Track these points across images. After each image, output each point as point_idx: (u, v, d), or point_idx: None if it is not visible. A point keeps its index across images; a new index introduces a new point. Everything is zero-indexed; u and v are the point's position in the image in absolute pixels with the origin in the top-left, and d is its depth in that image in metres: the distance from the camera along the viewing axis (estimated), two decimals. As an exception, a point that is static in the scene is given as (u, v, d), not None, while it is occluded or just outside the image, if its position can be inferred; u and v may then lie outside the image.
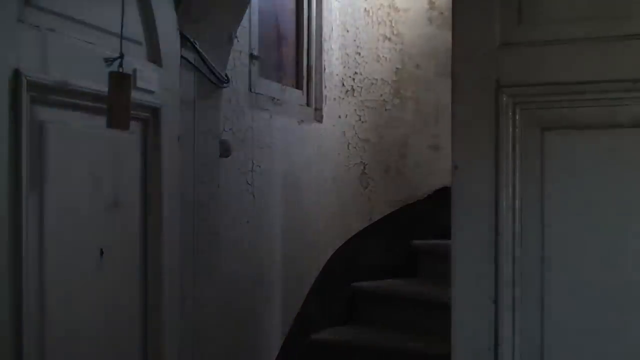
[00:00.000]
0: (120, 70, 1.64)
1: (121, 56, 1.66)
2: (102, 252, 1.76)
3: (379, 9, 3.92)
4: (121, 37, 1.69)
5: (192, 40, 2.26)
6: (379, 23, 3.92)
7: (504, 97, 1.44)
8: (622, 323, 1.38)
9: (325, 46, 3.51)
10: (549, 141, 1.42)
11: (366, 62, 3.83)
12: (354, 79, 3.75)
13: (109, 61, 1.65)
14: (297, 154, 3.25)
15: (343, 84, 3.64)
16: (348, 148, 3.69)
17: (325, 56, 3.50)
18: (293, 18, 3.38)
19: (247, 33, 2.81)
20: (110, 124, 1.63)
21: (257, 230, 2.93)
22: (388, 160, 3.89)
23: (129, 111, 1.65)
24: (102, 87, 1.69)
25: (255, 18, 2.89)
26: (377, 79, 3.91)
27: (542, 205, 1.43)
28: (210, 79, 2.41)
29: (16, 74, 1.45)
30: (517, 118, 1.44)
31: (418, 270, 3.69)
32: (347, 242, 3.69)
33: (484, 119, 1.45)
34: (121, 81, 1.63)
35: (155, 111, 1.98)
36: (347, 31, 3.69)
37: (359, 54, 3.78)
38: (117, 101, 1.62)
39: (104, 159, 1.78)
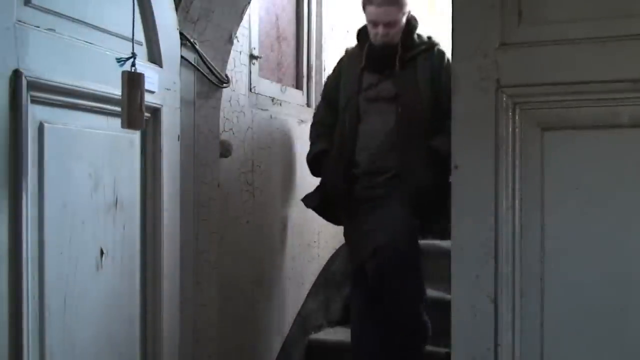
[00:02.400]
0: (133, 69, 1.64)
1: (133, 56, 1.65)
2: (102, 252, 1.77)
3: (379, 9, 3.90)
4: (132, 36, 1.69)
5: (192, 40, 2.26)
6: (379, 23, 3.91)
7: (504, 97, 1.44)
8: (623, 323, 1.38)
9: (325, 46, 3.51)
10: (549, 141, 1.42)
11: (366, 62, 3.82)
12: (354, 79, 3.73)
13: (121, 61, 1.65)
14: (297, 154, 3.25)
15: (343, 84, 3.64)
16: (348, 148, 3.68)
17: (325, 56, 3.50)
18: (293, 18, 3.38)
19: (247, 33, 2.81)
20: (125, 124, 1.62)
21: (257, 230, 2.93)
22: (388, 160, 3.87)
23: (143, 110, 1.64)
24: (102, 88, 1.70)
25: (255, 18, 2.89)
26: (377, 79, 3.89)
27: (542, 205, 1.42)
28: (210, 79, 2.41)
29: (16, 74, 1.45)
30: (517, 118, 1.44)
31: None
32: (347, 242, 3.69)
33: (484, 119, 1.45)
34: (134, 81, 1.62)
35: (155, 111, 1.98)
36: (347, 31, 3.69)
37: (359, 54, 3.77)
38: (130, 101, 1.61)
39: (104, 159, 1.78)
